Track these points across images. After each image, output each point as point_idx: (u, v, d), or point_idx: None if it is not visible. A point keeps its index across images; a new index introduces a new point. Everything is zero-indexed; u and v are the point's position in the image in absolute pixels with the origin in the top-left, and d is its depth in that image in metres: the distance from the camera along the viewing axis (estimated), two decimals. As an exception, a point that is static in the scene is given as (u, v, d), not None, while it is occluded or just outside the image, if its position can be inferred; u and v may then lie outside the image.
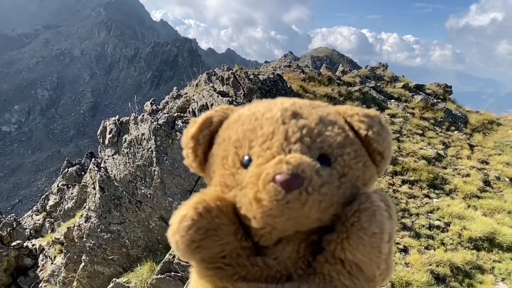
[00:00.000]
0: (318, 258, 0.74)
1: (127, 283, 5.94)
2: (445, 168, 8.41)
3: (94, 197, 7.02)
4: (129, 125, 7.30)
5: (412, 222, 6.34)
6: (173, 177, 6.39)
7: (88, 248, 6.82)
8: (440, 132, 10.49)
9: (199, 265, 0.75)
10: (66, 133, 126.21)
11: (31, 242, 9.83)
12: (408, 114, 11.11)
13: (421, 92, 12.97)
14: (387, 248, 0.70)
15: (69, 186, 10.47)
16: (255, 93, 8.67)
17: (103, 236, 6.76)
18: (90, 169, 7.75)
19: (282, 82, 9.94)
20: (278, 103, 0.78)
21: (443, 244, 5.91)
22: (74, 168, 10.91)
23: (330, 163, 0.70)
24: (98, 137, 8.18)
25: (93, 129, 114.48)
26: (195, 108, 8.22)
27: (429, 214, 6.66)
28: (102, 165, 7.50)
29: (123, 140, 7.13)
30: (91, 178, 7.50)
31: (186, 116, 7.60)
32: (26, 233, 10.45)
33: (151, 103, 7.79)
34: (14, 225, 10.25)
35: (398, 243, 5.67)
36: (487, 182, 7.97)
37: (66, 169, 11.03)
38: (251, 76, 9.34)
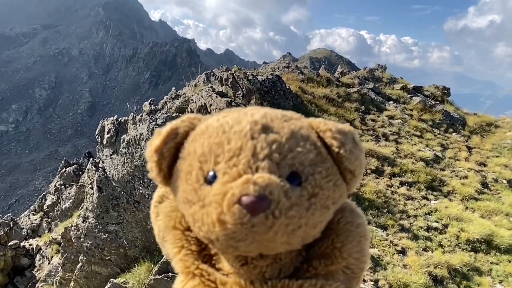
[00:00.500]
0: (305, 263, 0.76)
1: (124, 283, 5.92)
2: (443, 170, 8.43)
3: (92, 197, 7.00)
4: (127, 125, 7.28)
5: (410, 223, 6.35)
6: (171, 177, 6.38)
7: (85, 248, 6.80)
8: (438, 134, 10.51)
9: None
10: (63, 132, 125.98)
11: (28, 242, 9.80)
12: (407, 116, 11.13)
13: (419, 94, 13.00)
14: (369, 238, 0.73)
15: (66, 186, 10.44)
16: (254, 93, 8.67)
17: (101, 236, 6.74)
18: (88, 169, 7.72)
19: (281, 83, 9.94)
20: (248, 115, 0.73)
21: (441, 246, 5.92)
22: (72, 168, 10.87)
23: (301, 182, 0.67)
24: (96, 137, 8.16)
25: (91, 129, 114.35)
26: (193, 109, 8.21)
27: (427, 215, 6.67)
28: (100, 165, 7.48)
29: (122, 140, 7.11)
30: (89, 178, 7.48)
31: (184, 117, 7.58)
32: (23, 233, 10.41)
33: (149, 103, 7.78)
34: (11, 225, 10.21)
35: (396, 245, 5.68)
36: (485, 184, 7.99)
37: (64, 169, 10.99)
38: (250, 77, 9.33)
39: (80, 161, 11.49)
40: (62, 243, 7.55)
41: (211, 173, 0.68)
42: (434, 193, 7.49)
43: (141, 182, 6.64)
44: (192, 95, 8.68)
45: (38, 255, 9.06)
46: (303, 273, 0.75)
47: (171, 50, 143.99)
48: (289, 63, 14.16)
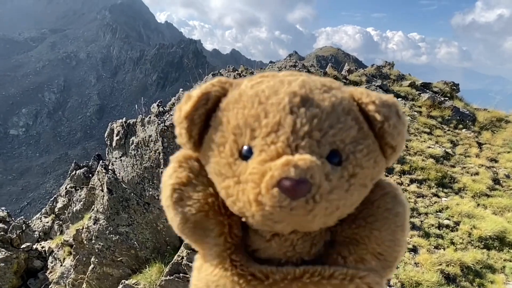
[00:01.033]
0: (333, 245, 0.74)
1: (136, 284, 5.96)
2: (453, 166, 8.34)
3: (102, 199, 7.06)
4: (136, 127, 7.32)
5: (421, 221, 6.29)
6: (180, 178, 6.40)
7: (97, 250, 6.86)
8: (448, 130, 10.41)
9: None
10: (73, 135, 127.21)
11: (40, 244, 9.91)
12: (415, 113, 11.04)
13: (428, 90, 12.88)
14: (408, 229, 0.71)
15: (77, 188, 10.54)
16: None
17: (112, 238, 6.79)
18: (98, 171, 7.79)
19: (288, 82, 9.92)
20: (285, 83, 0.68)
21: (452, 243, 5.85)
22: (82, 170, 10.98)
23: (341, 161, 0.64)
24: (106, 139, 8.22)
25: (100, 131, 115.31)
26: (201, 109, 8.23)
27: (438, 213, 6.61)
28: (109, 167, 7.54)
29: (131, 142, 7.15)
30: (99, 180, 7.54)
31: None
32: (35, 236, 10.53)
33: (157, 105, 7.81)
34: (23, 228, 10.33)
35: (407, 243, 5.63)
36: (496, 180, 7.89)
37: (74, 172, 11.10)
38: (257, 77, 9.33)
39: (90, 163, 11.59)
40: (74, 245, 7.62)
41: (245, 148, 0.65)
42: (445, 190, 7.41)
43: (150, 183, 6.68)
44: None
45: (50, 257, 9.16)
46: (332, 261, 0.72)
47: (177, 51, 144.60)
48: (295, 62, 14.13)
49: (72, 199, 10.01)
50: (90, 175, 10.45)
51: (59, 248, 9.04)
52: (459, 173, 8.03)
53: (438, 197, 7.13)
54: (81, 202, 9.25)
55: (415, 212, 6.51)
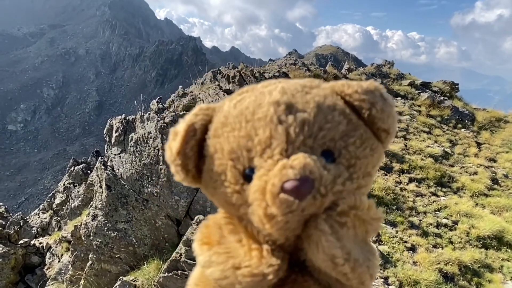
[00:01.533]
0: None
1: (134, 281, 5.96)
2: (452, 166, 8.35)
3: (101, 195, 7.04)
4: (135, 123, 7.31)
5: (420, 220, 6.31)
6: (179, 175, 6.39)
7: (95, 247, 6.85)
8: (447, 130, 10.43)
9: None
10: (71, 131, 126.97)
11: (38, 240, 9.89)
12: (415, 112, 11.05)
13: (427, 90, 12.89)
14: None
15: (75, 184, 10.52)
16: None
17: (110, 235, 6.78)
18: (96, 168, 7.77)
19: (288, 80, 9.91)
20: (266, 94, 0.67)
21: (451, 242, 5.87)
22: (80, 166, 10.95)
23: (334, 159, 0.63)
24: (105, 135, 8.20)
25: (98, 128, 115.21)
26: (200, 107, 8.21)
27: (436, 212, 6.62)
28: (108, 164, 7.52)
29: (130, 138, 7.14)
30: (97, 176, 7.53)
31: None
32: (33, 231, 10.52)
33: (157, 102, 7.79)
34: (21, 223, 10.32)
35: (405, 242, 5.64)
36: (495, 180, 7.91)
37: (72, 168, 11.08)
38: (257, 74, 9.32)
39: (89, 159, 11.57)
40: (72, 241, 7.61)
41: (247, 171, 0.64)
42: (444, 189, 7.43)
43: (149, 180, 6.66)
44: (199, 93, 8.69)
45: (48, 253, 9.15)
46: None
47: (177, 48, 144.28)
48: (295, 60, 14.11)
49: (70, 195, 9.99)
50: (89, 171, 10.43)
51: (57, 244, 9.02)
52: (457, 173, 8.05)
53: (437, 196, 7.15)
54: (79, 198, 9.23)
55: (414, 211, 6.53)
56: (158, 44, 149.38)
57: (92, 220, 6.96)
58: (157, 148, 6.56)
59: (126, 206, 6.78)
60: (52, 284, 7.96)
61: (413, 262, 5.26)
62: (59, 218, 10.39)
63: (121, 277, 6.17)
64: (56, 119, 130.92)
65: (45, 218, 10.92)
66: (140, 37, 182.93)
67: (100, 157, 8.47)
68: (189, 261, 5.26)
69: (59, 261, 8.53)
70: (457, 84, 13.77)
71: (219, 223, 0.71)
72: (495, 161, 8.89)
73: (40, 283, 8.44)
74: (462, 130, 10.60)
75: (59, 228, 10.01)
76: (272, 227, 0.59)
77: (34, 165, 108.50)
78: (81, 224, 7.27)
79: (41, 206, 11.75)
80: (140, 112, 7.38)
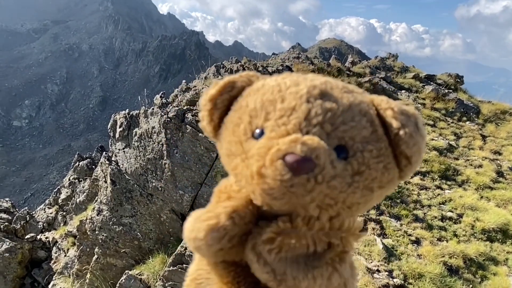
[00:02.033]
0: None
1: (139, 275, 6.00)
2: (457, 159, 8.31)
3: (106, 190, 7.08)
4: (139, 118, 7.32)
5: (424, 213, 6.29)
6: (183, 170, 6.42)
7: (100, 241, 6.90)
8: (452, 122, 10.36)
9: (217, 263, 0.74)
10: (76, 127, 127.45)
11: (44, 235, 9.98)
12: (419, 105, 10.98)
13: (432, 83, 12.80)
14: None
15: (80, 179, 10.58)
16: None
17: (115, 229, 6.83)
18: (101, 163, 7.81)
19: (291, 74, 9.88)
20: (308, 79, 0.71)
21: (455, 235, 5.85)
22: (85, 162, 11.01)
23: (347, 157, 0.63)
24: (109, 130, 8.23)
25: (103, 123, 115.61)
26: (204, 101, 8.21)
27: (441, 205, 6.60)
28: (113, 159, 7.56)
29: (134, 133, 7.16)
30: (102, 171, 7.57)
31: (195, 109, 7.59)
32: (39, 226, 10.61)
33: (160, 97, 7.80)
34: (27, 218, 10.40)
35: (410, 235, 5.63)
36: (500, 173, 7.87)
37: (77, 163, 11.14)
38: (260, 68, 9.29)
39: (93, 155, 11.63)
40: (78, 236, 7.67)
41: (257, 131, 0.66)
42: (448, 182, 7.40)
43: (154, 175, 6.69)
44: (202, 88, 8.68)
45: (54, 248, 9.23)
46: None
47: (180, 43, 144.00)
48: (299, 54, 14.06)
49: (76, 190, 10.06)
50: (93, 166, 10.48)
51: (63, 238, 9.10)
52: (462, 166, 8.01)
53: (442, 189, 7.12)
54: (85, 193, 9.29)
55: (418, 204, 6.51)
56: (161, 39, 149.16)
57: (97, 215, 7.00)
58: (161, 142, 6.58)
59: (131, 200, 6.82)
60: (58, 278, 8.04)
61: (418, 255, 5.26)
62: (64, 213, 10.47)
63: (126, 271, 6.22)
64: (60, 114, 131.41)
65: (51, 213, 11.00)
66: (143, 32, 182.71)
67: (104, 152, 8.51)
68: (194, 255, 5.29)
69: (65, 256, 8.60)
70: (462, 77, 13.67)
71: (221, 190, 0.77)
72: (500, 153, 8.84)
73: (47, 277, 8.53)
74: (467, 123, 10.53)
75: (65, 223, 10.09)
76: (258, 185, 0.60)
77: (39, 160, 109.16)
78: (86, 219, 7.32)
79: (46, 201, 11.84)
80: (143, 107, 7.39)
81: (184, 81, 10.49)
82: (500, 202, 6.81)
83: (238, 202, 0.68)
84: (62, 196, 10.98)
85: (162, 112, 6.72)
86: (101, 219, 6.92)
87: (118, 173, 7.01)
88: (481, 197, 6.95)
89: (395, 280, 4.61)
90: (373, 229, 5.53)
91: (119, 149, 7.59)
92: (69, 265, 8.00)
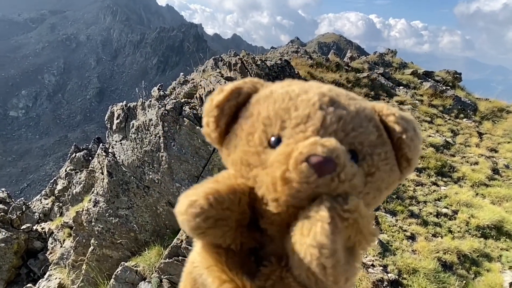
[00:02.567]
0: None
1: (135, 266, 6.02)
2: (453, 156, 8.35)
3: (102, 182, 7.08)
4: (136, 110, 7.29)
5: (420, 209, 6.33)
6: (180, 162, 6.41)
7: (96, 232, 6.90)
8: (449, 119, 10.39)
9: (204, 245, 0.73)
10: (73, 118, 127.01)
11: (41, 226, 9.98)
12: (417, 101, 11.00)
13: (430, 79, 12.82)
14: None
15: (76, 171, 10.57)
16: (263, 79, 8.60)
17: (111, 221, 6.83)
18: (98, 154, 7.79)
19: (290, 68, 9.85)
20: (314, 86, 0.72)
21: (450, 231, 5.90)
22: (82, 153, 10.99)
23: (358, 161, 0.66)
24: (106, 122, 8.20)
25: (100, 114, 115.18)
26: (202, 94, 8.19)
27: (436, 201, 6.64)
28: (110, 150, 7.54)
29: (131, 125, 7.14)
30: (99, 163, 7.55)
31: (193, 102, 7.58)
32: (35, 217, 10.60)
33: (158, 89, 7.76)
34: (23, 209, 10.39)
35: (405, 230, 5.67)
36: (495, 170, 7.91)
37: (74, 154, 11.11)
38: (259, 62, 9.26)
39: (90, 146, 11.60)
40: (74, 227, 7.67)
41: (273, 139, 0.67)
42: (444, 179, 7.44)
43: (150, 167, 6.68)
44: (200, 81, 8.65)
45: (50, 239, 9.24)
46: None
47: (178, 35, 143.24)
48: (297, 48, 14.02)
49: (72, 181, 10.04)
50: (90, 158, 10.46)
51: (59, 229, 9.10)
52: (458, 163, 8.05)
53: (437, 185, 7.16)
54: (81, 185, 9.27)
55: (414, 200, 6.55)
56: (160, 30, 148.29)
57: (93, 206, 7.00)
58: (158, 135, 6.56)
59: (127, 192, 6.82)
60: (54, 268, 8.05)
61: (412, 250, 5.30)
62: (61, 204, 10.46)
63: (122, 262, 6.24)
64: (57, 105, 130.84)
65: (47, 204, 10.99)
66: (141, 23, 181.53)
67: (101, 144, 8.49)
68: (190, 248, 5.31)
69: (61, 246, 8.61)
70: (460, 74, 13.69)
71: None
72: (496, 151, 8.88)
73: (43, 268, 8.54)
74: (464, 120, 10.56)
75: (61, 214, 10.09)
76: (284, 190, 0.61)
77: (36, 151, 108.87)
78: (82, 210, 7.32)
79: (43, 192, 11.82)
80: (141, 99, 7.36)
81: (182, 73, 10.46)
82: (495, 199, 6.86)
83: (221, 187, 0.69)
84: (59, 187, 10.96)
85: (159, 104, 6.70)
86: (97, 210, 6.92)
87: (115, 165, 6.99)
88: (477, 194, 7.00)
89: (389, 275, 4.65)
90: (369, 224, 5.57)
91: (116, 141, 7.57)
92: (65, 256, 8.01)
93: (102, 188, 6.99)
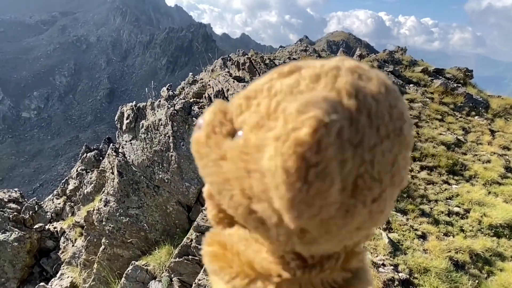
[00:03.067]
0: None
1: (145, 265, 6.06)
2: (465, 154, 8.24)
3: (113, 181, 7.13)
4: (146, 110, 7.34)
5: (431, 208, 6.26)
6: (190, 162, 6.44)
7: (107, 232, 6.96)
8: (460, 117, 10.26)
9: None
10: (83, 119, 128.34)
11: (53, 225, 10.09)
12: (427, 99, 10.88)
13: (440, 77, 12.66)
14: None
15: (87, 171, 10.66)
16: (271, 78, 8.59)
17: (122, 220, 6.88)
18: (108, 154, 7.86)
19: (299, 67, 9.82)
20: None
21: (462, 231, 5.82)
22: (92, 153, 11.08)
23: None
24: (116, 122, 8.27)
25: (110, 115, 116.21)
26: (211, 94, 8.21)
27: (448, 200, 6.56)
28: (120, 150, 7.60)
29: (140, 125, 7.18)
30: (109, 163, 7.61)
31: (202, 102, 7.60)
32: (47, 216, 10.72)
33: (167, 89, 7.80)
34: (36, 209, 10.52)
35: (416, 230, 5.61)
36: (508, 169, 7.79)
37: (85, 154, 11.21)
38: (267, 61, 9.25)
39: (100, 146, 11.69)
40: (85, 226, 7.75)
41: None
42: (456, 177, 7.34)
43: (160, 167, 6.72)
44: (209, 80, 8.67)
45: (62, 238, 9.34)
46: None
47: (187, 35, 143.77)
48: (306, 47, 13.97)
49: (83, 181, 10.14)
50: (101, 158, 10.55)
51: (70, 229, 9.20)
52: (470, 161, 7.94)
53: (449, 184, 7.07)
54: (92, 185, 9.36)
55: (425, 199, 6.48)
56: (169, 31, 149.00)
57: (104, 206, 7.06)
58: (167, 135, 6.60)
59: (138, 192, 6.86)
60: (66, 267, 8.14)
61: (424, 250, 5.24)
62: (72, 204, 10.57)
63: (133, 261, 6.28)
64: (68, 106, 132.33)
65: (59, 204, 11.12)
66: (150, 24, 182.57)
67: (111, 144, 8.55)
68: (199, 247, 5.31)
69: (73, 246, 8.70)
70: (471, 71, 13.49)
71: None
72: (509, 149, 8.74)
73: (55, 266, 8.64)
74: (476, 117, 10.42)
75: (73, 214, 10.20)
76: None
77: (47, 151, 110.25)
78: (93, 210, 7.39)
79: (55, 192, 11.95)
80: (150, 99, 7.40)
81: (191, 73, 10.49)
82: (508, 198, 6.75)
83: None
84: (70, 187, 11.08)
85: (169, 104, 6.73)
86: (108, 210, 6.98)
87: (125, 164, 7.05)
88: (489, 192, 6.89)
89: (400, 274, 4.61)
90: (379, 223, 5.52)
91: (126, 141, 7.63)
92: (77, 255, 8.09)
93: (113, 188, 7.05)
